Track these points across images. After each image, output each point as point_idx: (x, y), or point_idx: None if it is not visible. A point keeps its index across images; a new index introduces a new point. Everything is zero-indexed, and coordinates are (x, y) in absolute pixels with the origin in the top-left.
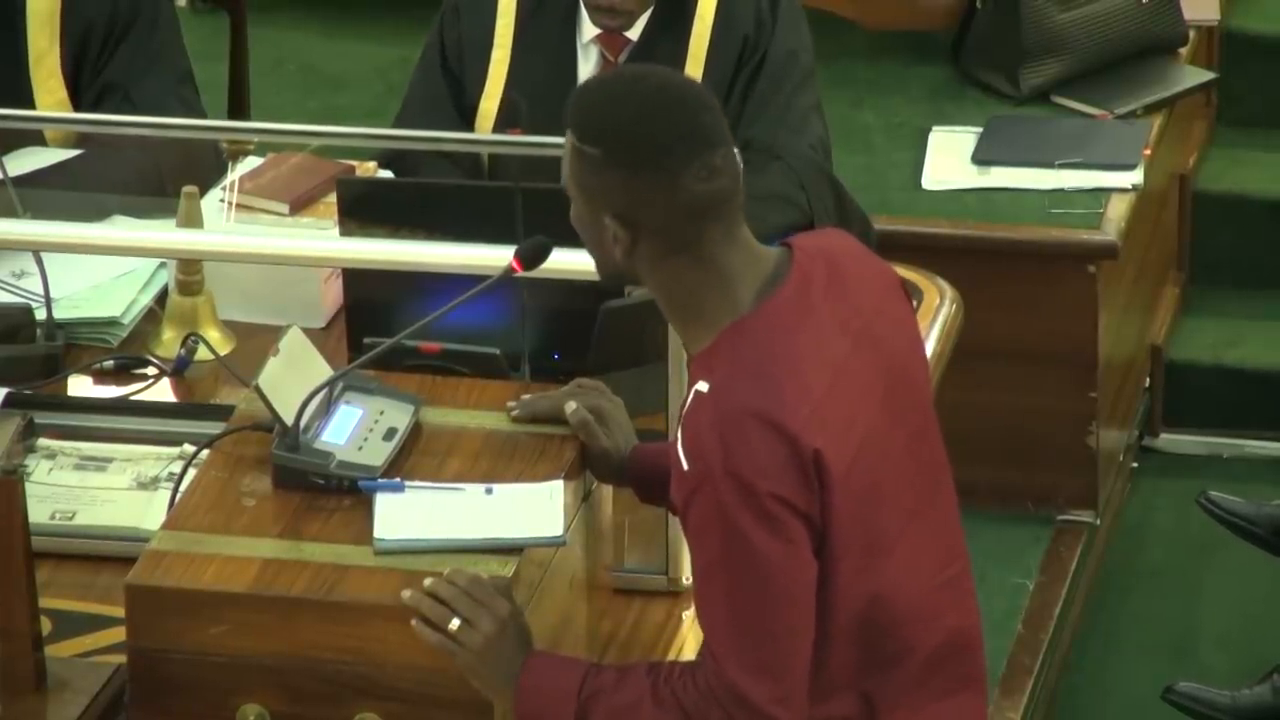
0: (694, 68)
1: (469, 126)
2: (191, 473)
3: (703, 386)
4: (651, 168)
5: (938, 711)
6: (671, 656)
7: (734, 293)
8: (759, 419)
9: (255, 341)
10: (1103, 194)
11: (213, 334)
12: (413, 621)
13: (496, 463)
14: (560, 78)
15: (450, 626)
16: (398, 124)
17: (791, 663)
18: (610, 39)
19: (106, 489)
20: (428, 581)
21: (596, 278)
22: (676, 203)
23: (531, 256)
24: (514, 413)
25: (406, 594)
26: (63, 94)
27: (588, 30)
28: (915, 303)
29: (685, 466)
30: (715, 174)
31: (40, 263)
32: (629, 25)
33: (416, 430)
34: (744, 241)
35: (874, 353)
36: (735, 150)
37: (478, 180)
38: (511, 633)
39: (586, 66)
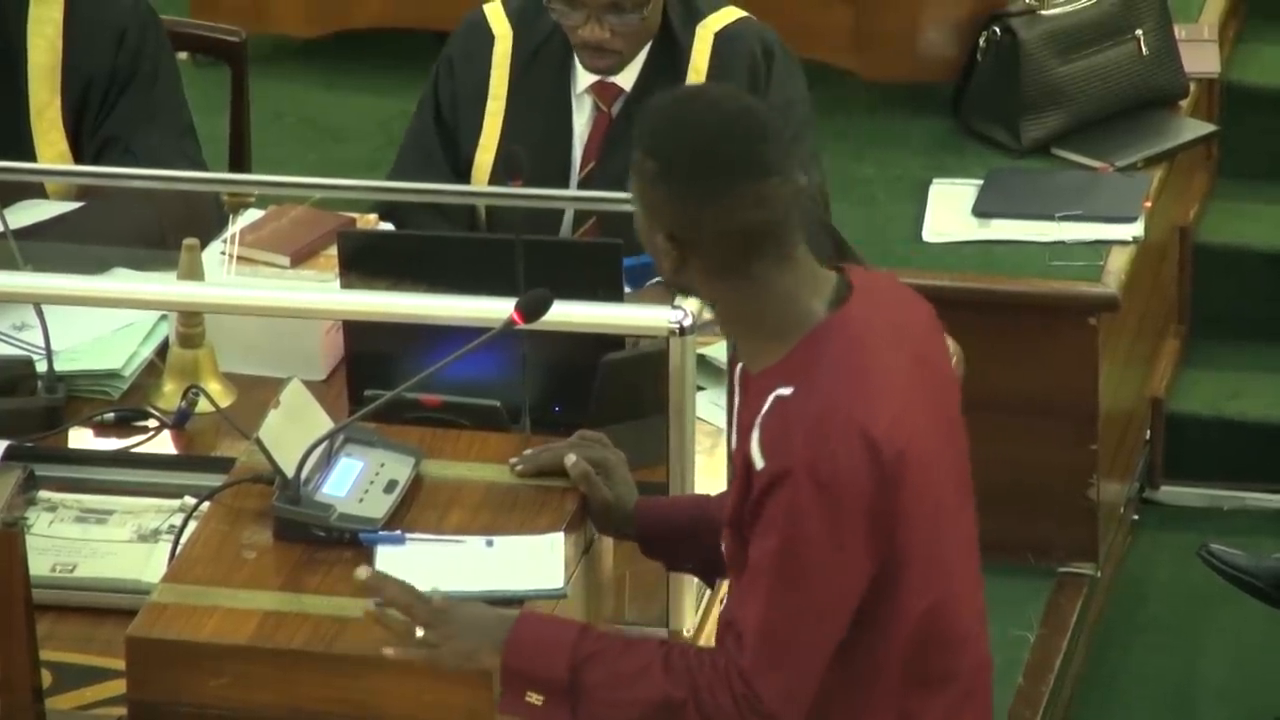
0: None
1: (462, 181)
2: (192, 525)
3: (785, 391)
4: (700, 191)
5: None
6: None
7: (798, 307)
8: (844, 422)
9: (256, 394)
10: (1103, 246)
11: (214, 386)
12: (386, 651)
13: (497, 515)
14: (555, 129)
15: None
16: (391, 178)
17: (809, 667)
18: (603, 89)
19: (107, 541)
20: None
21: (598, 330)
22: (723, 229)
23: (532, 309)
24: (517, 468)
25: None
26: (64, 146)
27: (582, 81)
28: None
29: (760, 465)
30: (765, 203)
31: (41, 315)
32: (619, 68)
33: (417, 483)
34: (800, 263)
35: (928, 373)
36: (795, 178)
37: (474, 233)
38: (467, 608)
39: (580, 117)
